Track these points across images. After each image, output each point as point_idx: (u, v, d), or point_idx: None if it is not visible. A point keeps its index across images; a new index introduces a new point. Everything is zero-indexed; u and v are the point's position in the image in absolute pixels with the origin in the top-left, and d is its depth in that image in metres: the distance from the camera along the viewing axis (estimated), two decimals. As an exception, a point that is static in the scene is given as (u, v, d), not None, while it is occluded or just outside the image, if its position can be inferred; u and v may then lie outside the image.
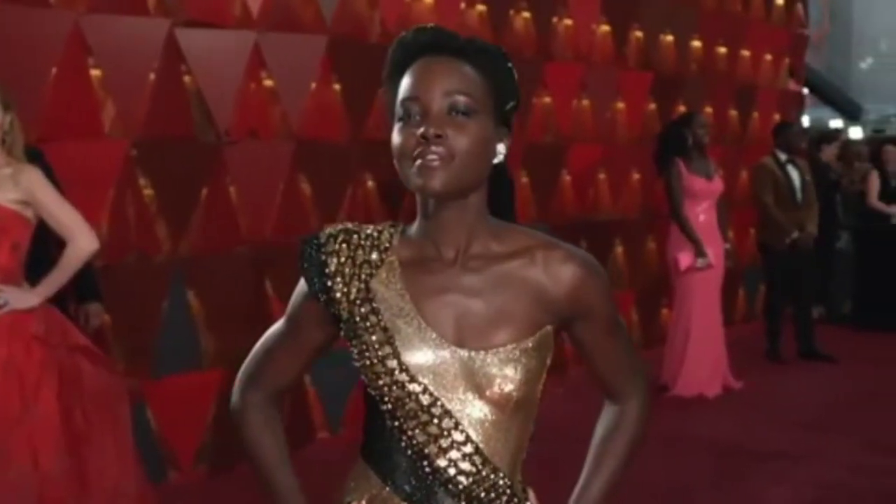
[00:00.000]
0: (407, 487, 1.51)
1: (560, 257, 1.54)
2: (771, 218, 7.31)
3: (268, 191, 5.28)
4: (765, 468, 4.92)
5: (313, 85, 5.48)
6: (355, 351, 1.52)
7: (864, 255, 8.91)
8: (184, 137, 5.00)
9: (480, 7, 6.51)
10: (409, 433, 1.50)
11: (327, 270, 1.54)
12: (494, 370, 1.49)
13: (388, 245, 1.56)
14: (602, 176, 7.52)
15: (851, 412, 6.07)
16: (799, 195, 7.41)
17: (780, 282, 7.49)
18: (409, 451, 1.50)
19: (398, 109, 1.51)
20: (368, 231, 1.57)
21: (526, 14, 6.83)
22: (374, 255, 1.55)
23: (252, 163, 5.22)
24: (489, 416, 1.50)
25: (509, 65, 1.56)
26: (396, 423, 1.50)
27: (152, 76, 4.83)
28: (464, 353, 1.49)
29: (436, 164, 1.45)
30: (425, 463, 1.50)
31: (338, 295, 1.53)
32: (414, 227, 1.58)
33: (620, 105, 7.65)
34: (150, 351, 4.82)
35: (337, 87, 5.63)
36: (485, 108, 1.50)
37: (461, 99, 1.47)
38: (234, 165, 5.12)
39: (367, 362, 1.50)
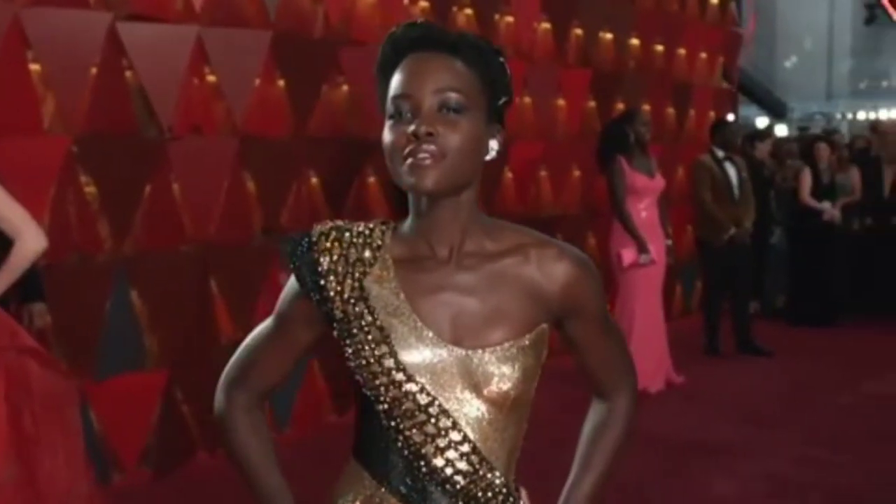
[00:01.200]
0: (402, 488, 1.50)
1: (553, 255, 1.53)
2: (709, 214, 7.40)
3: (212, 188, 5.20)
4: (712, 462, 4.98)
5: (257, 81, 5.41)
6: (350, 350, 1.50)
7: (797, 251, 9.07)
8: (126, 134, 4.90)
9: (424, 3, 6.49)
10: (406, 433, 1.48)
11: (320, 269, 1.52)
12: (492, 368, 1.48)
13: (380, 243, 1.54)
14: (543, 173, 7.54)
15: (791, 405, 6.17)
16: (736, 192, 7.51)
17: (717, 277, 7.60)
18: (406, 452, 1.48)
19: (389, 107, 1.49)
20: (360, 229, 1.55)
21: (468, 11, 6.83)
22: (367, 253, 1.53)
23: (196, 159, 5.13)
24: (486, 415, 1.49)
25: (501, 60, 1.54)
26: (393, 424, 1.48)
27: (94, 71, 4.73)
28: (461, 351, 1.48)
29: (427, 162, 1.43)
30: (422, 463, 1.48)
31: (331, 294, 1.51)
32: (406, 225, 1.56)
33: (561, 102, 7.68)
34: (93, 352, 4.71)
35: (281, 82, 5.57)
36: (477, 105, 1.49)
37: (452, 96, 1.46)
38: (177, 162, 5.03)
39: (363, 362, 1.48)
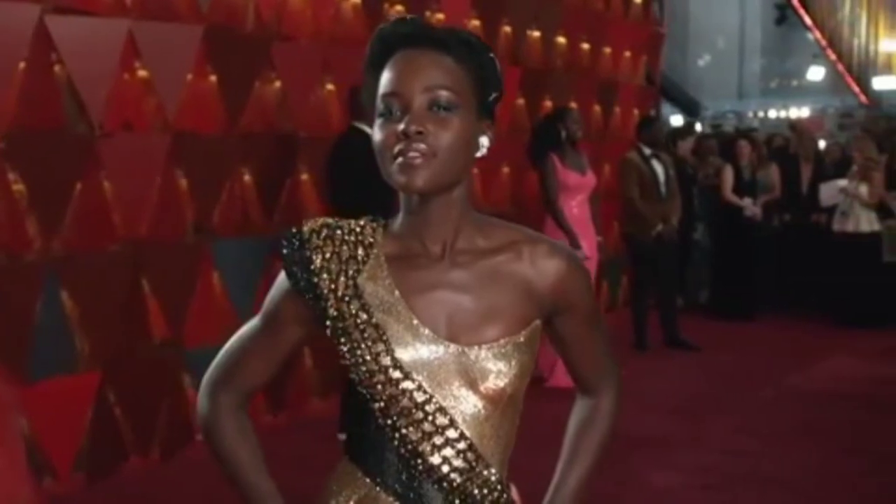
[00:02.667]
0: (397, 486, 1.49)
1: (545, 251, 1.54)
2: (636, 211, 7.50)
3: (143, 185, 5.09)
4: (649, 454, 5.04)
5: (189, 76, 5.31)
6: (345, 349, 1.48)
7: (719, 246, 9.24)
8: (55, 130, 4.77)
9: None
10: (403, 431, 1.47)
11: (312, 267, 1.50)
12: (489, 365, 1.47)
13: (371, 240, 1.53)
14: (474, 170, 7.52)
15: (720, 399, 6.28)
16: (663, 189, 7.63)
17: (645, 273, 7.70)
18: (402, 450, 1.47)
19: (379, 105, 1.48)
20: (351, 226, 1.53)
21: (399, 7, 6.79)
22: (360, 251, 1.51)
23: (127, 156, 5.02)
24: (482, 412, 1.49)
25: (491, 55, 1.54)
26: (389, 422, 1.47)
27: (21, 65, 4.58)
28: (458, 348, 1.47)
29: (418, 161, 1.42)
30: (419, 461, 1.47)
31: (325, 292, 1.49)
32: (397, 223, 1.55)
33: (491, 99, 7.68)
34: (23, 354, 4.56)
35: (213, 78, 5.47)
36: (467, 102, 1.48)
37: (443, 94, 1.45)
38: (108, 159, 4.91)
39: (359, 360, 1.46)
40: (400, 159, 1.43)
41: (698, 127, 20.98)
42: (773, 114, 24.84)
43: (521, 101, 8.00)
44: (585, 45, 8.91)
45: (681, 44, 26.58)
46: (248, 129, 5.62)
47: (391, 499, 1.49)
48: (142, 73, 5.14)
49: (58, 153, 4.72)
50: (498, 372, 1.47)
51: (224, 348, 1.63)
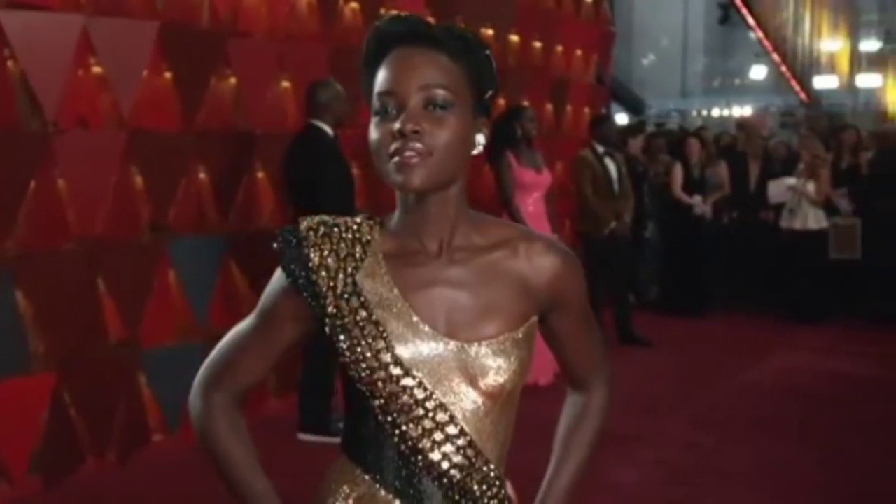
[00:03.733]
0: (397, 483, 1.49)
1: (541, 248, 1.55)
2: (590, 208, 7.55)
3: (98, 183, 5.01)
4: (608, 450, 5.05)
5: (144, 72, 5.24)
6: (344, 346, 1.48)
7: (669, 244, 9.33)
8: (8, 127, 4.67)
9: (310, -5, 6.42)
10: (403, 428, 1.47)
11: (311, 264, 1.49)
12: (489, 361, 1.48)
13: (368, 238, 1.53)
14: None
15: (676, 394, 6.35)
16: (616, 186, 7.69)
17: (598, 270, 7.74)
18: (402, 447, 1.48)
19: (374, 103, 1.48)
20: (348, 224, 1.53)
21: (354, 4, 6.78)
22: (358, 249, 1.51)
23: (82, 154, 4.93)
24: (482, 409, 1.49)
25: (487, 52, 1.54)
26: (389, 419, 1.47)
27: (-26, 61, 4.51)
28: (457, 345, 1.48)
29: (414, 160, 1.42)
30: (419, 458, 1.48)
31: (323, 289, 1.49)
32: (393, 221, 1.56)
33: (444, 97, 7.69)
34: (-23, 356, 4.50)
35: (168, 75, 5.41)
36: (463, 100, 1.48)
37: (439, 93, 1.45)
38: (62, 157, 4.82)
39: (359, 357, 1.46)
40: (396, 158, 1.43)
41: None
42: (716, 112, 25.19)
43: (474, 99, 8.00)
44: (538, 44, 8.95)
45: (625, 43, 26.82)
46: (203, 126, 5.56)
47: (390, 496, 1.49)
48: (96, 69, 5.07)
49: (11, 151, 4.62)
50: (497, 368, 1.48)
51: (218, 346, 1.61)
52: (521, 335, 1.51)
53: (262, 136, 5.94)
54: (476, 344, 1.48)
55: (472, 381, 1.48)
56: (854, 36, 20.78)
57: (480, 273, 1.51)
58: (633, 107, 22.98)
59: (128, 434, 5.13)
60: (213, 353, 1.62)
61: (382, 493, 1.49)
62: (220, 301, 5.68)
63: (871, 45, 20.96)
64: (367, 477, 1.50)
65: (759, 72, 24.19)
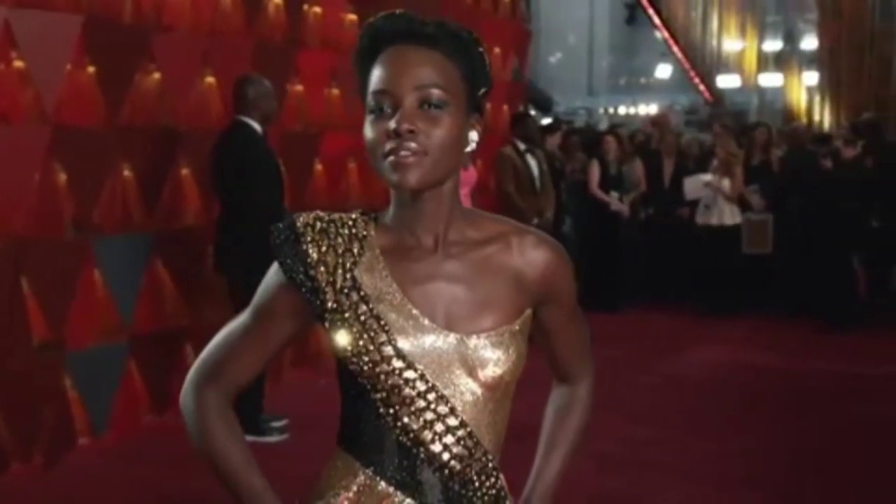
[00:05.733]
0: (398, 474, 1.50)
1: (533, 242, 1.57)
2: (513, 205, 7.60)
3: (21, 180, 4.87)
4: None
5: (68, 66, 5.11)
6: (345, 340, 1.48)
7: (587, 240, 9.45)
8: (-73, 122, 4.54)
9: (234, -9, 6.34)
10: (405, 420, 1.49)
11: (309, 260, 1.50)
12: (488, 354, 1.50)
13: (365, 233, 1.53)
14: (352, 164, 7.52)
15: (606, 388, 6.39)
16: (538, 183, 7.76)
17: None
18: (403, 438, 1.49)
19: (369, 101, 1.49)
20: (343, 219, 1.54)
21: (278, 1, 6.71)
22: (355, 244, 1.52)
23: (3, 150, 4.79)
24: (481, 400, 1.52)
25: (481, 49, 1.56)
26: (391, 411, 1.49)
27: None
28: (457, 337, 1.50)
29: (410, 160, 1.44)
30: (420, 449, 1.49)
31: (322, 284, 1.49)
32: (388, 216, 1.56)
33: (367, 94, 7.66)
34: None
35: (91, 69, 5.28)
36: (457, 98, 1.49)
37: (434, 92, 1.46)
38: (-17, 153, 4.70)
39: (362, 350, 1.47)
40: (391, 158, 1.44)
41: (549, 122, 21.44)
42: (622, 110, 25.55)
43: (397, 97, 7.98)
44: (457, 41, 8.95)
45: (533, 41, 27.05)
46: (128, 122, 5.46)
47: (391, 488, 1.51)
48: (18, 63, 4.92)
49: (-69, 147, 4.49)
50: (496, 360, 1.51)
51: (211, 344, 1.61)
52: (517, 327, 1.54)
53: (187, 133, 5.85)
54: (475, 336, 1.50)
55: (472, 373, 1.50)
56: (757, 36, 21.29)
57: (475, 267, 1.54)
58: (541, 105, 23.21)
59: (54, 438, 5.01)
60: (206, 351, 1.61)
61: (383, 484, 1.51)
62: (146, 301, 5.58)
63: (773, 45, 21.49)
64: (366, 469, 1.52)
65: (664, 70, 24.58)
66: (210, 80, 6.09)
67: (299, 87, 6.93)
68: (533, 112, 22.54)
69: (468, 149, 1.54)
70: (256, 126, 5.35)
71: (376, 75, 1.48)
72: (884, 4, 16.80)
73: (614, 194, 9.17)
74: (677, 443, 5.32)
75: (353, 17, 7.50)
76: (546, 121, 20.99)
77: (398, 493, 1.50)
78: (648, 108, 24.29)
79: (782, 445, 5.35)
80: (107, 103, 5.33)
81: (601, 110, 25.96)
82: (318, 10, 7.13)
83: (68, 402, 5.12)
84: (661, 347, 7.67)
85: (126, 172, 5.54)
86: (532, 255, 1.56)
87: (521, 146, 7.70)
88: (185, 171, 5.90)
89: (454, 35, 1.52)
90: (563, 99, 25.11)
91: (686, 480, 4.81)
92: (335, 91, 7.26)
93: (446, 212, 1.53)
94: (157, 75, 5.71)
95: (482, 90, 1.55)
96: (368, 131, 1.47)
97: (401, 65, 1.47)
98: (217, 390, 1.58)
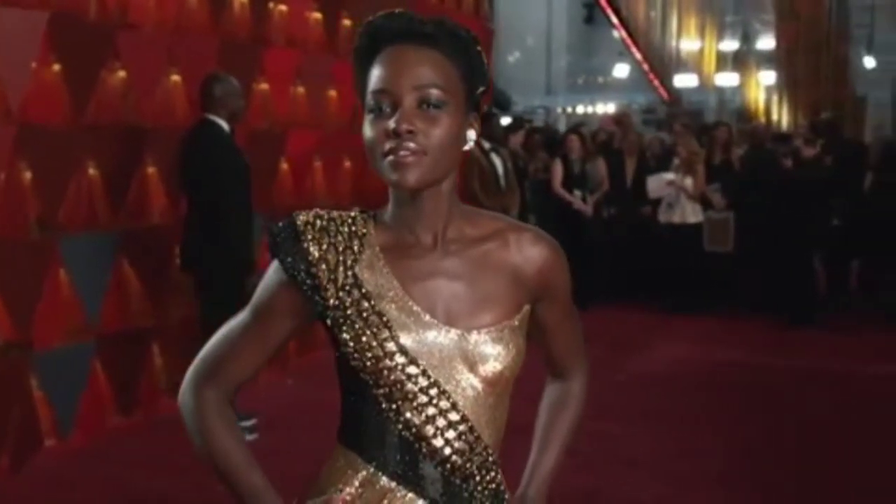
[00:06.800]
0: (399, 469, 1.52)
1: (530, 239, 1.60)
2: (478, 204, 7.59)
3: (-15, 179, 4.82)
4: (515, 441, 5.11)
5: (33, 64, 5.05)
6: (347, 336, 1.50)
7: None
8: None
9: (200, -12, 6.29)
10: (407, 415, 1.50)
11: (310, 258, 1.50)
12: (488, 349, 1.52)
13: (364, 231, 1.55)
14: (318, 163, 7.50)
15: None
16: (502, 182, 7.78)
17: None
18: (406, 433, 1.51)
19: (368, 101, 1.50)
20: (343, 217, 1.55)
21: (243, -1, 6.68)
22: (355, 242, 1.53)
23: (-32, 148, 4.74)
24: (481, 395, 1.53)
25: (479, 48, 1.56)
26: (393, 406, 1.50)
27: None
28: (458, 333, 1.51)
29: (409, 160, 1.45)
30: (423, 444, 1.51)
31: (324, 282, 1.50)
32: (386, 214, 1.58)
33: (332, 93, 7.66)
34: None
35: (57, 67, 5.22)
36: (455, 97, 1.50)
37: (433, 92, 1.47)
38: (-52, 152, 4.63)
39: (365, 346, 1.48)
40: (391, 157, 1.45)
41: (507, 120, 21.49)
42: (580, 109, 25.68)
43: (361, 95, 7.97)
44: (422, 40, 8.95)
45: (493, 40, 27.12)
46: (93, 120, 5.40)
47: (393, 482, 1.52)
48: (-18, 60, 4.86)
49: None
50: (497, 355, 1.52)
51: (210, 343, 1.60)
52: (516, 323, 1.56)
53: (153, 131, 5.81)
54: (475, 332, 1.52)
55: (473, 369, 1.52)
56: (714, 36, 21.50)
57: (474, 264, 1.55)
58: (500, 103, 23.27)
59: (20, 440, 4.94)
60: (205, 350, 1.61)
61: (385, 479, 1.52)
62: (113, 300, 5.53)
63: (730, 45, 21.73)
64: (368, 464, 1.53)
65: (622, 70, 24.75)
66: (175, 77, 6.04)
67: (265, 86, 6.89)
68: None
69: (466, 147, 1.55)
70: (224, 124, 5.33)
71: (376, 75, 1.49)
72: (840, 5, 17.04)
73: (577, 193, 9.21)
74: (646, 438, 5.38)
75: (317, 15, 7.49)
76: (506, 120, 21.17)
77: (400, 487, 1.52)
78: (606, 108, 24.44)
79: (748, 440, 5.42)
80: (72, 101, 5.27)
81: (559, 109, 26.07)
82: (283, 8, 7.10)
83: (34, 403, 5.06)
84: (627, 345, 7.72)
85: (92, 171, 5.48)
86: (530, 251, 1.58)
87: (486, 145, 7.72)
88: (151, 170, 5.84)
89: (453, 34, 1.52)
90: (521, 98, 25.19)
91: (655, 476, 4.86)
92: (300, 89, 7.23)
93: (445, 210, 1.54)
94: (122, 73, 5.65)
95: (480, 89, 1.56)
96: (368, 130, 1.48)
97: (400, 64, 1.48)
98: (216, 389, 1.58)
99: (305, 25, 7.35)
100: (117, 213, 5.60)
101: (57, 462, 5.03)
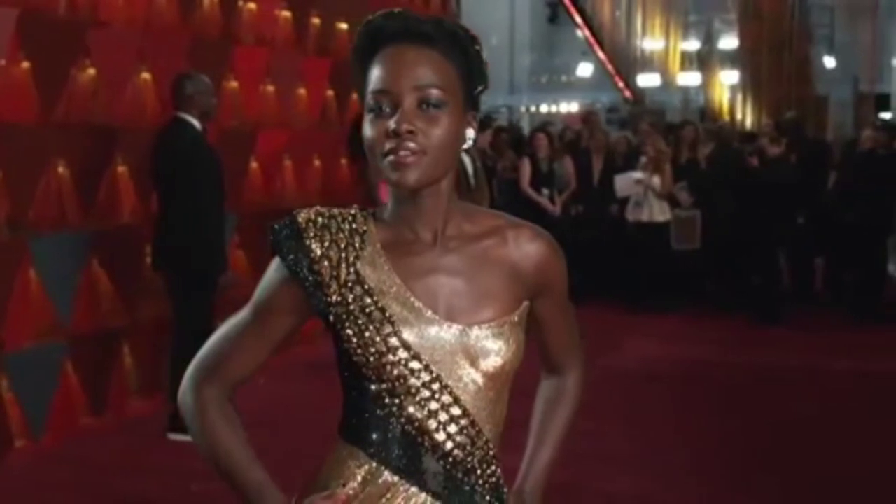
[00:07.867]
0: (401, 463, 1.53)
1: (528, 235, 1.61)
2: (448, 202, 7.62)
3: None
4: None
5: (3, 62, 5.00)
6: (350, 332, 1.51)
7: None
8: None
9: (168, -13, 6.25)
10: (410, 410, 1.52)
11: (312, 255, 1.51)
12: (489, 344, 1.54)
13: (365, 229, 1.56)
14: (287, 162, 7.48)
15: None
16: (472, 180, 7.75)
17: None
18: (408, 427, 1.52)
19: (368, 100, 1.51)
20: (343, 215, 1.56)
21: (214, -4, 6.65)
22: (357, 239, 1.54)
23: (-63, 147, 4.69)
24: (482, 390, 1.55)
25: (478, 48, 1.58)
26: (396, 402, 1.52)
27: None
28: (459, 328, 1.53)
29: (409, 159, 1.46)
30: (425, 438, 1.53)
31: (326, 279, 1.51)
32: (386, 212, 1.59)
33: (302, 91, 7.64)
34: None
35: (26, 64, 5.18)
36: (455, 97, 1.51)
37: (432, 92, 1.48)
38: (-84, 150, 4.57)
39: (368, 342, 1.50)
40: (391, 157, 1.47)
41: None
42: (544, 108, 25.76)
43: (330, 94, 7.97)
44: (390, 39, 8.94)
45: (454, 39, 27.04)
46: (63, 119, 5.37)
47: (395, 477, 1.53)
48: (-49, 58, 4.81)
49: None
50: (497, 350, 1.54)
51: (210, 340, 1.61)
52: (516, 318, 1.58)
53: (123, 129, 5.77)
54: (476, 327, 1.53)
55: (474, 364, 1.53)
56: (678, 36, 21.63)
57: (474, 260, 1.57)
58: (465, 102, 23.27)
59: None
60: (205, 348, 1.61)
61: (387, 473, 1.53)
62: (84, 300, 5.49)
63: (694, 44, 21.89)
64: (370, 459, 1.54)
65: (585, 69, 24.84)
66: (146, 76, 6.01)
67: (234, 84, 6.86)
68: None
69: (465, 146, 1.56)
70: (196, 123, 5.30)
71: (375, 75, 1.50)
72: (801, 5, 17.22)
73: (545, 192, 9.24)
74: (619, 434, 5.43)
75: (286, 13, 7.47)
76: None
77: (403, 482, 1.53)
78: (570, 107, 24.55)
79: (719, 435, 5.49)
80: (42, 99, 5.24)
81: (523, 109, 26.13)
82: (252, 6, 7.08)
83: (4, 404, 5.01)
84: (597, 342, 7.73)
85: (62, 170, 5.45)
86: (528, 248, 1.59)
87: (456, 143, 7.72)
88: (121, 169, 5.81)
89: (452, 34, 1.53)
90: (484, 97, 25.18)
91: (628, 470, 4.92)
92: (270, 88, 7.22)
93: (444, 207, 1.56)
94: (92, 71, 5.62)
95: (479, 88, 1.58)
96: (368, 130, 1.49)
97: (400, 64, 1.48)
98: (217, 387, 1.59)
99: (275, 24, 7.33)
100: (88, 212, 5.56)
101: (28, 463, 4.99)
